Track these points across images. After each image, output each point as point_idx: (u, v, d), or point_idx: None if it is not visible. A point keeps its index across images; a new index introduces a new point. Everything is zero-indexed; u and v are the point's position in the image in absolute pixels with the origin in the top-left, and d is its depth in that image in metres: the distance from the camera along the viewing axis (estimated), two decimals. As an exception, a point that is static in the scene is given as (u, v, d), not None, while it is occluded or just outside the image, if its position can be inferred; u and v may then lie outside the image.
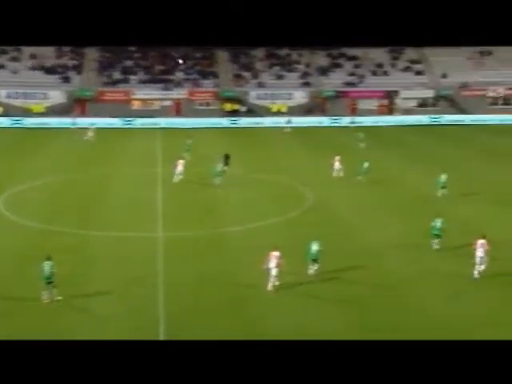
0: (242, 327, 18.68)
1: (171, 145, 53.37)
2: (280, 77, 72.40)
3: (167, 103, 69.32)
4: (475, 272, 22.26)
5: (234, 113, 68.36)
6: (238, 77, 71.85)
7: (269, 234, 27.73)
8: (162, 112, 68.10)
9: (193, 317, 19.43)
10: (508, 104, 72.24)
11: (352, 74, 73.10)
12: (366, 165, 37.74)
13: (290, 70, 73.43)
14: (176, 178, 37.33)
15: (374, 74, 73.56)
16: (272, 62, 74.22)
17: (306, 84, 71.57)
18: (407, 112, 69.75)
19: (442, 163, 42.56)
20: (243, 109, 68.82)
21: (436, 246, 25.44)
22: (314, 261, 21.89)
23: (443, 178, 34.07)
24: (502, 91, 72.37)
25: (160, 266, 23.79)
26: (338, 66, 74.53)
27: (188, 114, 67.87)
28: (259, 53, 75.27)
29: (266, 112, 68.30)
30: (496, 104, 72.38)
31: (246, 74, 72.49)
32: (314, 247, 21.86)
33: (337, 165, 39.15)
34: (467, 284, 22.13)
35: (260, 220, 29.79)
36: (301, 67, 74.10)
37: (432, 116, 68.13)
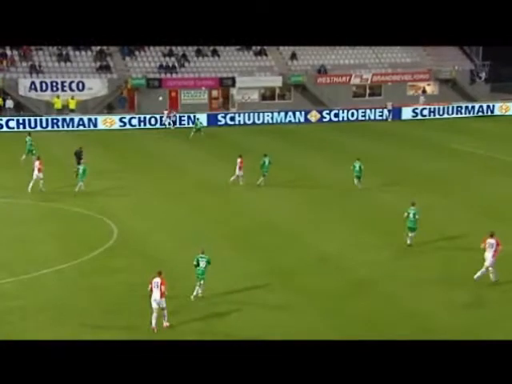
0: None
1: None
2: (65, 58, 68.92)
3: None
4: (491, 275, 25.69)
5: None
6: (-2, 57, 67.78)
7: (48, 286, 27.03)
8: None
9: None
10: (376, 94, 73.74)
11: (169, 55, 71.72)
12: (267, 161, 41.15)
13: (79, 48, 70.13)
14: (30, 186, 39.05)
15: (200, 54, 72.52)
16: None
17: (105, 69, 69.07)
18: (246, 107, 69.60)
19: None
20: (9, 104, 64.95)
21: (409, 241, 29.84)
22: (200, 279, 25.28)
23: (357, 166, 40.13)
24: (368, 77, 73.77)
25: None
26: (147, 42, 72.03)
27: None
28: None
29: (46, 109, 65.22)
30: (363, 96, 73.82)
31: (11, 54, 68.10)
32: (202, 264, 25.17)
33: (237, 170, 41.53)
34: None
35: (41, 267, 28.64)
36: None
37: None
